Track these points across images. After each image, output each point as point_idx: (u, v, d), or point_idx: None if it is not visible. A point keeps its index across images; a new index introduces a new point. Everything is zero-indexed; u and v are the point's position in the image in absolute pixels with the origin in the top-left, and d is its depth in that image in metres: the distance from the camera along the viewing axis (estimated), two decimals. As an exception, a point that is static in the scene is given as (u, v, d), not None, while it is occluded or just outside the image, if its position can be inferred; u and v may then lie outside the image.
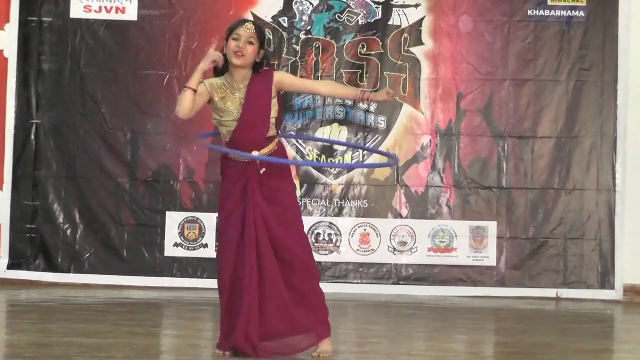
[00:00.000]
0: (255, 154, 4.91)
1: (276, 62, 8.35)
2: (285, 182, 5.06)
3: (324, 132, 8.39)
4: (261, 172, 4.92)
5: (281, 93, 5.13)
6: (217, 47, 8.37)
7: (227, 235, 4.95)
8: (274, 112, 4.99)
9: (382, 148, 8.36)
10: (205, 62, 4.97)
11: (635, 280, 8.27)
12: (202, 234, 8.38)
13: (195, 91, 4.96)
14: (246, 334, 4.82)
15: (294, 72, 8.33)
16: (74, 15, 8.45)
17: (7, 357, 4.83)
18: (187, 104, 4.97)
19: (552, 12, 8.38)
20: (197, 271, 8.37)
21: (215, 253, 5.08)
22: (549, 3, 8.37)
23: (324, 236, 8.39)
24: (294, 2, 8.41)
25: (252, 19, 5.02)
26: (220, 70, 5.05)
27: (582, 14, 8.36)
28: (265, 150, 4.97)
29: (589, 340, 6.07)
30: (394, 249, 8.36)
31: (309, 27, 8.40)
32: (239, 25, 4.99)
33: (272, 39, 8.39)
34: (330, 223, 8.41)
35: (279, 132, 5.12)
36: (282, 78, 5.05)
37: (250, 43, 4.94)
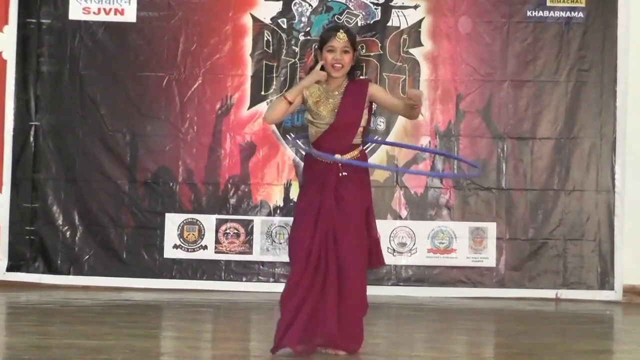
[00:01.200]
0: (337, 157, 5.03)
1: (275, 64, 8.35)
2: (362, 189, 5.14)
3: None
4: (340, 175, 5.04)
5: (373, 106, 5.24)
6: (213, 49, 8.40)
7: (299, 233, 5.01)
8: (363, 122, 5.13)
9: (381, 149, 8.35)
10: (309, 80, 5.06)
11: (634, 280, 8.27)
12: (201, 235, 8.38)
13: (290, 103, 5.05)
14: (305, 332, 4.90)
15: (292, 73, 8.34)
16: (73, 16, 8.44)
17: (7, 359, 4.83)
18: (280, 113, 5.08)
19: (551, 13, 8.38)
20: (196, 273, 8.37)
21: (288, 248, 5.14)
22: (548, 4, 8.37)
23: (323, 237, 8.37)
24: (292, 4, 8.41)
25: (341, 30, 5.02)
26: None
27: (581, 14, 8.36)
28: (348, 156, 5.09)
29: (589, 341, 6.07)
30: (394, 250, 8.35)
31: (308, 29, 8.40)
32: (331, 35, 5.06)
33: (270, 40, 8.39)
34: (330, 224, 8.39)
35: (364, 139, 5.23)
36: (376, 92, 5.17)
37: (346, 52, 5.05)
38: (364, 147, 5.27)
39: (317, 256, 4.95)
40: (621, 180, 8.30)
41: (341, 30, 5.07)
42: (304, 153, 5.19)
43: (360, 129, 5.12)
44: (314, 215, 5.00)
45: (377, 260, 5.20)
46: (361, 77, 5.19)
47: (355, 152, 5.12)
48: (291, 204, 8.12)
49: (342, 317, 5.00)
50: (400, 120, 8.38)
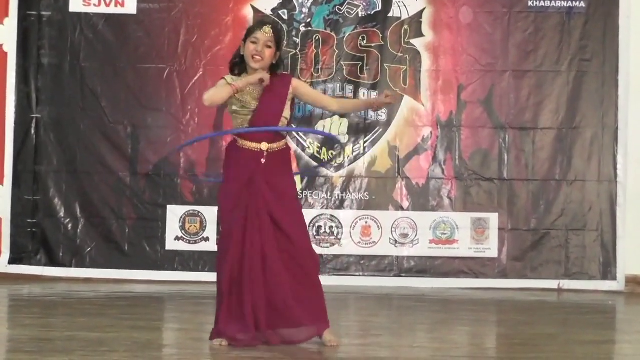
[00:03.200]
0: (264, 145, 5.08)
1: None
2: (287, 175, 5.21)
3: (324, 125, 8.38)
4: (262, 162, 5.05)
5: (296, 101, 5.34)
6: (214, 41, 8.39)
7: (230, 223, 5.05)
8: (286, 113, 5.17)
9: (383, 140, 8.36)
10: (254, 77, 5.07)
11: (636, 271, 8.27)
12: (203, 227, 8.38)
13: (237, 92, 5.07)
14: (255, 323, 4.93)
15: (293, 64, 8.34)
16: (73, 9, 8.43)
17: (9, 351, 4.84)
18: (222, 99, 5.07)
19: (552, 3, 8.36)
20: (198, 264, 8.37)
21: (217, 241, 5.17)
22: (549, -6, 8.36)
23: (325, 229, 8.39)
24: (293, -5, 8.40)
25: (268, 25, 5.13)
26: (237, 68, 5.20)
27: (582, 4, 8.34)
28: (274, 145, 5.12)
29: (591, 331, 6.06)
30: (395, 241, 8.35)
31: (308, 20, 8.39)
32: (257, 28, 5.16)
33: (271, 31, 8.37)
34: (331, 215, 8.41)
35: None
36: (299, 86, 5.26)
37: (268, 47, 5.11)
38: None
39: (256, 250, 4.97)
40: (623, 170, 8.29)
41: (268, 25, 5.17)
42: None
43: (284, 120, 5.16)
44: (244, 210, 5.01)
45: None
46: (284, 72, 5.26)
47: (281, 143, 5.15)
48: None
49: (304, 299, 5.00)
50: (402, 111, 8.38)
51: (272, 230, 5.02)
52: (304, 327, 5.01)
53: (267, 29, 5.12)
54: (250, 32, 5.16)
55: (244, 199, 5.04)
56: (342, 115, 8.36)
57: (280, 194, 5.08)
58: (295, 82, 5.24)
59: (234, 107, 5.15)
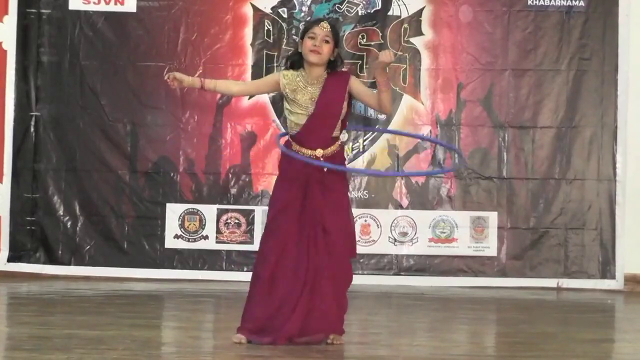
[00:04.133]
0: (319, 151, 5.00)
1: (275, 53, 8.34)
2: (340, 177, 5.13)
3: None
4: (325, 170, 5.00)
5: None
6: (206, 38, 8.38)
7: (277, 226, 5.00)
8: (342, 113, 5.08)
9: (382, 139, 8.36)
10: (189, 81, 5.08)
11: (636, 269, 8.26)
12: (202, 225, 8.38)
13: (203, 89, 5.10)
14: (289, 330, 4.88)
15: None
16: (73, 6, 8.42)
17: (8, 349, 4.83)
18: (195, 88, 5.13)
19: (552, 2, 8.36)
20: (197, 263, 8.37)
21: (260, 242, 5.11)
22: (549, -8, 8.36)
23: (324, 227, 8.37)
24: (293, -7, 8.39)
25: (325, 20, 5.06)
26: (296, 66, 5.10)
27: (582, 3, 8.34)
28: (329, 150, 5.04)
29: (590, 330, 6.06)
30: (395, 240, 8.35)
31: (308, 18, 8.38)
32: (314, 24, 5.06)
33: (271, 29, 8.38)
34: (331, 214, 8.38)
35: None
36: (356, 84, 5.11)
37: (326, 42, 5.01)
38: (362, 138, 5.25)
39: (302, 251, 4.94)
40: (622, 168, 8.29)
41: (325, 21, 5.10)
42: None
43: (339, 122, 5.08)
44: (296, 215, 4.97)
45: (353, 251, 5.18)
46: (342, 70, 5.17)
47: (335, 147, 5.06)
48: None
49: (337, 305, 5.01)
50: (401, 110, 8.37)
51: (322, 239, 4.96)
52: (323, 334, 5.03)
53: (325, 24, 5.03)
54: (307, 29, 5.06)
55: (297, 203, 4.98)
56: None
57: (332, 201, 5.00)
58: (352, 80, 5.10)
59: (287, 106, 5.06)
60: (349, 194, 5.25)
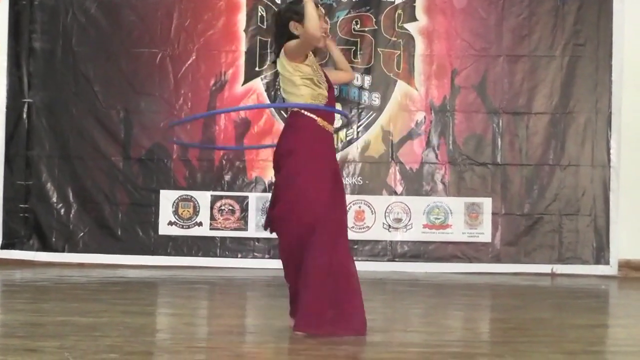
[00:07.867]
0: (331, 128, 4.97)
1: (269, 39, 8.31)
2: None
3: None
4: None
5: None
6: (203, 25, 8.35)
7: (328, 214, 4.90)
8: None
9: (376, 125, 8.35)
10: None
11: (629, 255, 8.27)
12: (196, 212, 8.36)
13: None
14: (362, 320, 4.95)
15: (287, 49, 8.29)
16: (65, -7, 8.40)
17: (1, 336, 4.82)
18: (315, 14, 5.04)
19: (547, -13, 8.34)
20: (191, 249, 8.36)
21: (332, 236, 5.01)
22: (543, -22, 8.34)
23: (318, 214, 8.36)
24: (286, -21, 8.36)
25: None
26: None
27: (576, -12, 8.33)
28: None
29: (584, 315, 6.06)
30: (389, 226, 8.35)
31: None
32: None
33: (264, 15, 8.35)
34: (325, 200, 8.37)
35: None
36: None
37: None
38: None
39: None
40: (616, 154, 8.29)
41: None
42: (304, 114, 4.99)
43: None
44: (340, 207, 4.93)
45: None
46: None
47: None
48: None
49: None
50: (395, 96, 8.36)
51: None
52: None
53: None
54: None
55: (338, 195, 4.91)
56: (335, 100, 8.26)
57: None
58: None
59: (315, 80, 4.96)
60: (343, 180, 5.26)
